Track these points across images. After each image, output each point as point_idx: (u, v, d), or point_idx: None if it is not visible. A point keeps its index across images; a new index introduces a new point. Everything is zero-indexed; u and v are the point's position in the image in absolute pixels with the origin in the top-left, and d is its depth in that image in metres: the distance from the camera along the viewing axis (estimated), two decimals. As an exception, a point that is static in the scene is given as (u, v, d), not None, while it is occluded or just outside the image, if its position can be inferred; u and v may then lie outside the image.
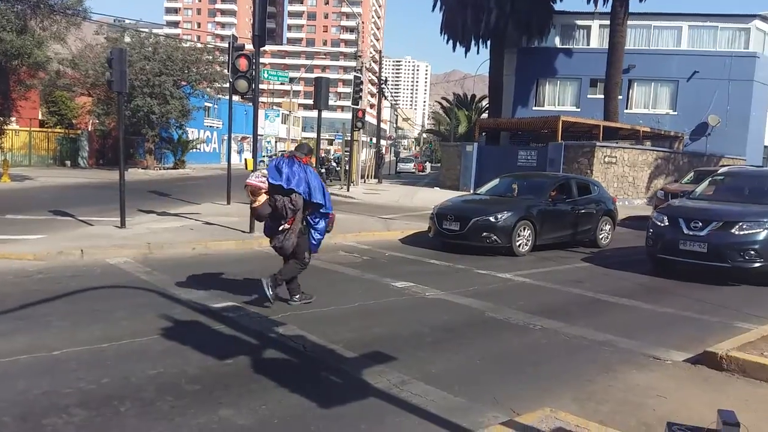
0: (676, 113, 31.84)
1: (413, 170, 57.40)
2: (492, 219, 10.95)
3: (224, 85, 33.71)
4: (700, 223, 9.10)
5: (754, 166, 23.17)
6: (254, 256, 10.12)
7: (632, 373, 4.99)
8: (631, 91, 32.64)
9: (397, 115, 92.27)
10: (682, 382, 4.85)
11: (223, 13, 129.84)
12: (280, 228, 6.54)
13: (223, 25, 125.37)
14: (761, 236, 8.76)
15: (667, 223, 9.61)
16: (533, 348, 5.66)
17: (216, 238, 11.02)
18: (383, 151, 44.92)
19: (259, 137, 64.02)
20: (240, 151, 53.25)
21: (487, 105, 38.16)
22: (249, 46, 13.04)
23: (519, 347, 5.68)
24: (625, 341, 5.87)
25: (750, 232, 8.82)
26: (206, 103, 42.58)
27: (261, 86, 13.30)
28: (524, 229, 11.21)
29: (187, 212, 14.66)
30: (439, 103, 79.89)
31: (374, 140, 44.82)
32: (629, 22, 29.24)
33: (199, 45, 38.32)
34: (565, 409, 4.08)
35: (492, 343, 5.75)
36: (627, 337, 6.02)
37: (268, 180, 6.36)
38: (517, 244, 11.07)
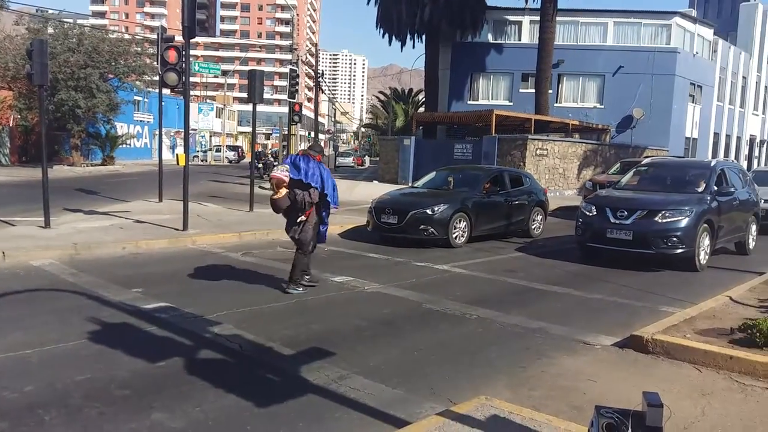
0: (603, 107, 33.09)
1: (352, 164, 57.29)
2: (429, 212, 11.07)
3: (154, 78, 32.56)
4: (626, 212, 9.48)
5: (676, 156, 24.33)
6: (188, 254, 9.86)
7: (564, 358, 5.16)
8: (560, 85, 33.68)
9: (335, 109, 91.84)
10: (610, 365, 5.05)
11: (153, 3, 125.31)
12: (298, 220, 7.17)
13: (152, 16, 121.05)
14: (682, 223, 9.18)
15: (594, 213, 9.93)
16: (469, 337, 5.76)
17: (147, 237, 10.66)
18: (321, 144, 44.56)
19: (192, 132, 62.08)
20: (173, 147, 51.69)
21: (424, 99, 38.48)
22: (179, 38, 12.63)
23: (456, 337, 5.77)
24: (557, 328, 6.06)
25: (672, 219, 9.23)
26: (136, 97, 41.08)
27: (193, 79, 12.93)
28: (460, 221, 11.39)
29: (117, 210, 14.12)
30: (377, 97, 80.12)
31: (312, 134, 44.49)
32: (558, 19, 30.10)
33: (127, 36, 36.90)
34: (500, 396, 4.17)
35: (429, 335, 5.81)
36: (559, 323, 6.22)
37: (293, 176, 6.93)
38: (454, 236, 11.25)
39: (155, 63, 26.32)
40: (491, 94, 35.13)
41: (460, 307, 6.81)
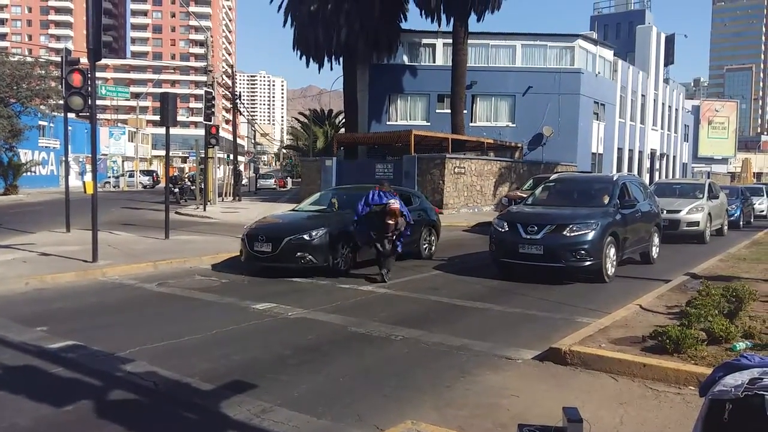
0: (515, 125, 34.43)
1: (274, 186, 56.63)
2: (306, 237, 9.95)
3: (60, 102, 31.02)
4: (536, 227, 9.73)
5: (584, 171, 25.53)
6: (98, 287, 9.33)
7: (487, 375, 5.22)
8: (474, 105, 34.80)
9: (254, 131, 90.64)
10: (531, 380, 5.16)
11: (58, 24, 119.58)
12: (387, 235, 9.90)
13: (58, 38, 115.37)
14: (589, 236, 9.50)
15: (507, 229, 10.14)
16: (395, 359, 5.74)
17: (53, 270, 10.01)
18: (241, 167, 43.73)
19: (103, 157, 59.38)
20: (82, 173, 49.19)
21: (344, 120, 38.67)
22: (85, 60, 12.07)
23: (381, 360, 5.73)
24: (480, 344, 6.14)
25: (579, 233, 9.55)
26: (41, 122, 38.96)
27: (103, 103, 12.38)
28: (342, 246, 10.26)
29: (20, 243, 13.21)
30: (296, 119, 79.77)
31: (231, 156, 43.63)
32: (470, 42, 31.20)
33: (29, 59, 34.99)
34: (427, 418, 4.16)
35: (355, 359, 5.74)
36: (481, 339, 6.31)
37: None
38: (336, 262, 10.15)
39: (60, 86, 25.14)
40: (409, 114, 35.80)
41: (385, 328, 6.78)
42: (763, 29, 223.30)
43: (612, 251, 9.96)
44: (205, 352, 5.85)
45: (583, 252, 9.44)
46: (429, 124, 33.76)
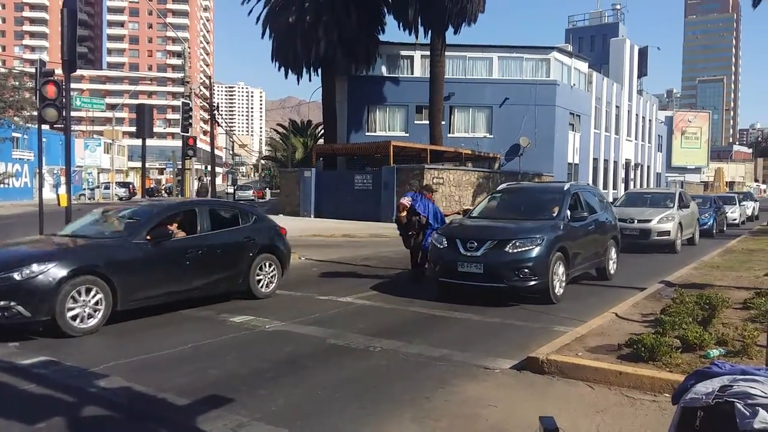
0: (492, 136, 34.75)
1: (252, 197, 56.36)
2: (17, 277, 6.59)
3: (34, 114, 30.59)
4: (476, 243, 8.78)
5: (558, 181, 25.73)
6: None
7: (466, 385, 5.23)
8: (452, 116, 35.07)
9: (233, 142, 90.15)
10: (510, 389, 5.18)
11: (32, 35, 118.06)
12: (410, 234, 10.79)
13: (32, 49, 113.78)
14: (534, 253, 8.55)
15: (446, 245, 9.19)
16: (374, 371, 5.72)
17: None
18: (204, 180, 42.44)
19: (78, 169, 58.54)
20: (57, 185, 48.43)
21: (323, 131, 38.69)
22: (60, 71, 11.93)
23: (360, 372, 5.71)
24: (459, 354, 6.15)
25: (522, 249, 8.60)
26: (14, 134, 38.39)
27: (78, 114, 12.21)
28: (87, 293, 6.95)
29: (-10, 257, 12.92)
30: (275, 129, 79.55)
31: (209, 168, 43.28)
32: (447, 53, 31.49)
33: (3, 70, 34.51)
34: (406, 430, 4.15)
35: (334, 372, 5.71)
36: (460, 349, 6.32)
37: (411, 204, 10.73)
38: (70, 316, 6.78)
39: (35, 98, 24.74)
40: (388, 125, 35.94)
41: (364, 340, 6.76)
42: (734, 41, 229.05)
43: (560, 269, 9.01)
44: (181, 367, 5.77)
45: (526, 270, 8.49)
46: (408, 135, 33.92)
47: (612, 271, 11.28)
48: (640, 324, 6.93)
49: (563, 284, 9.10)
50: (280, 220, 25.14)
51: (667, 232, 15.63)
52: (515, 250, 8.57)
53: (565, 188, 10.33)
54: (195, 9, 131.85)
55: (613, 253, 11.36)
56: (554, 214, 9.62)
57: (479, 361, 5.93)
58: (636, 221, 15.71)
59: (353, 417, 4.53)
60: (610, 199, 24.58)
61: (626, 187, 45.49)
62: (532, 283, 8.53)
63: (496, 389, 5.15)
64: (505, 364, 5.81)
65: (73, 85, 11.56)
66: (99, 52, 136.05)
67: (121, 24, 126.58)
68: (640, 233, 15.48)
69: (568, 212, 9.66)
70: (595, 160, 42.13)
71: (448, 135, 33.42)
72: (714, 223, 21.51)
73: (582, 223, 9.98)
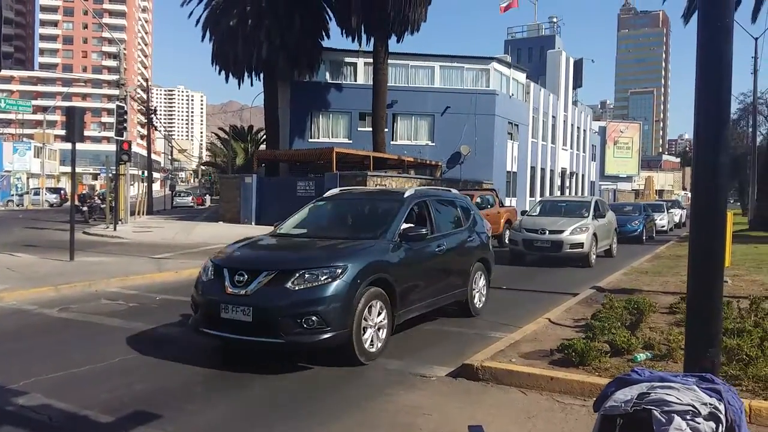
0: (434, 144, 35.20)
1: (192, 204, 55.09)
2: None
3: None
4: (246, 275, 5.94)
5: (491, 189, 26.08)
6: (-8, 314, 8.65)
7: (401, 394, 5.21)
8: (395, 124, 35.33)
9: (172, 147, 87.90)
10: (445, 397, 5.19)
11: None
12: None
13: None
14: (328, 291, 5.77)
15: (212, 276, 6.34)
16: (310, 381, 5.63)
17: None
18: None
19: (6, 173, 55.93)
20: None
21: (265, 136, 38.21)
22: (-20, 72, 11.30)
23: (297, 381, 5.61)
24: (396, 362, 6.13)
25: (310, 286, 5.80)
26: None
27: (8, 116, 11.58)
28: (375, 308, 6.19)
29: None
30: (216, 134, 78.07)
31: (146, 173, 41.99)
32: (390, 61, 31.71)
33: None
34: (339, 442, 4.08)
35: (270, 382, 5.59)
36: (397, 357, 6.30)
37: None
38: None
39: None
40: (331, 132, 35.85)
41: (301, 349, 6.64)
42: (663, 55, 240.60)
43: (376, 313, 6.21)
44: (107, 382, 5.52)
45: (315, 318, 5.69)
46: (351, 141, 33.93)
47: (479, 305, 8.62)
48: (572, 329, 7.11)
49: (384, 336, 6.32)
50: (220, 227, 24.65)
51: (581, 244, 14.50)
52: (299, 287, 5.80)
53: (405, 195, 7.67)
54: (133, 10, 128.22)
55: (481, 282, 8.68)
56: (379, 232, 6.88)
57: (415, 369, 5.93)
58: (547, 232, 14.74)
59: (286, 429, 4.43)
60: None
61: (562, 194, 46.87)
62: (325, 336, 5.72)
63: (431, 397, 5.15)
64: (441, 372, 5.83)
65: (2, 86, 11.00)
66: (30, 52, 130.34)
67: (55, 24, 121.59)
68: (551, 245, 14.60)
69: (402, 227, 6.98)
70: (533, 168, 43.24)
71: (391, 142, 33.63)
72: (643, 230, 22.35)
73: (424, 244, 7.26)
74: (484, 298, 8.81)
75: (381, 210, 7.78)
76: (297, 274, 5.84)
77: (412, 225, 7.20)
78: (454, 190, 9.60)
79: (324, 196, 8.62)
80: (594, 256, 15.02)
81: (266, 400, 5.12)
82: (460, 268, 8.20)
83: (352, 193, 9.10)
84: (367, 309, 6.06)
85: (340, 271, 5.89)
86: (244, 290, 5.85)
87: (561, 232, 14.63)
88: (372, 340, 6.16)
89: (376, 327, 6.23)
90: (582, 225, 14.83)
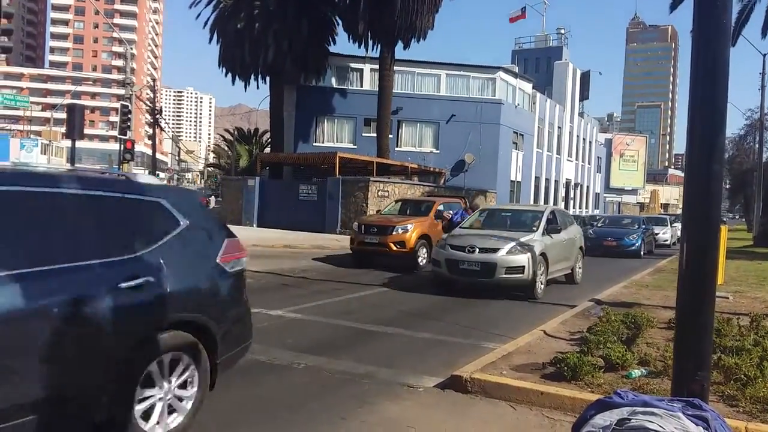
0: (438, 152, 35.08)
1: (195, 205, 54.90)
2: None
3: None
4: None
5: (460, 196, 25.74)
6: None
7: (386, 404, 5.07)
8: (400, 130, 35.26)
9: (179, 148, 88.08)
10: (430, 409, 5.04)
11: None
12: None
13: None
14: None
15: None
16: (293, 389, 5.49)
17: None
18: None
19: (9, 170, 56.51)
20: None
21: (270, 139, 38.21)
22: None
23: (278, 390, 5.47)
24: (384, 371, 5.99)
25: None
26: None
27: (17, 113, 11.52)
28: None
29: None
30: (221, 135, 78.19)
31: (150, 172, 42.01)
32: (396, 68, 31.68)
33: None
34: (316, 453, 3.94)
35: (251, 389, 5.45)
36: (387, 366, 6.16)
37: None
38: None
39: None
40: (336, 136, 35.81)
41: (290, 355, 6.52)
42: (672, 70, 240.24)
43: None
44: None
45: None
46: (355, 147, 33.86)
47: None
48: (567, 342, 6.95)
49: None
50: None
51: (520, 269, 10.59)
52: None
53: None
54: (144, 11, 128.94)
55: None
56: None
57: (404, 378, 5.78)
58: (477, 251, 10.81)
59: (264, 438, 4.30)
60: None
61: (566, 206, 46.68)
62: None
63: (416, 409, 5.00)
64: (430, 382, 5.68)
65: (12, 83, 10.96)
66: (41, 50, 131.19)
67: (66, 22, 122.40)
68: (481, 268, 10.68)
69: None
70: (537, 178, 43.08)
71: (396, 149, 33.57)
72: (642, 244, 21.78)
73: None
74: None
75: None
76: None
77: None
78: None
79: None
80: (541, 285, 11.05)
81: (246, 407, 4.97)
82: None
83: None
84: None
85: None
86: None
87: (495, 251, 10.75)
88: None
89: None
90: (525, 242, 10.98)
